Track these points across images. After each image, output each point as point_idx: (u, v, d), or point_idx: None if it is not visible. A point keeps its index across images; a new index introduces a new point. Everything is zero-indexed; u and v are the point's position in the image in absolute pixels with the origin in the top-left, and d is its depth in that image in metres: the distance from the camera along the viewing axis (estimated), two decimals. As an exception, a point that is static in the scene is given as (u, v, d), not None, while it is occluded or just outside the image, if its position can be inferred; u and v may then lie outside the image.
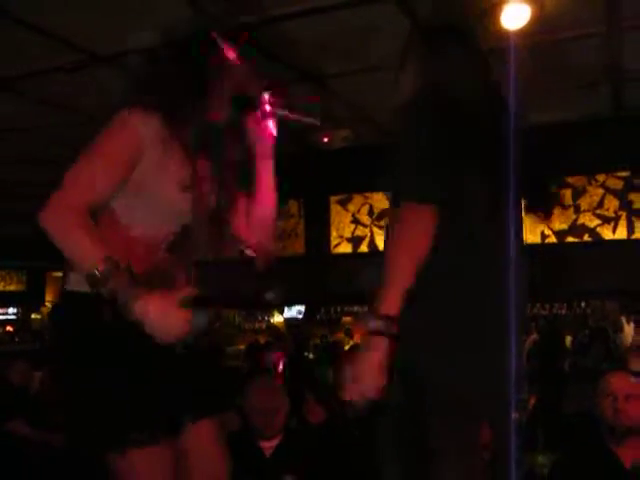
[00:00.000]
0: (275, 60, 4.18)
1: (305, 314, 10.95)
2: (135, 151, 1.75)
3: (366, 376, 1.63)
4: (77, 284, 1.75)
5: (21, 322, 11.83)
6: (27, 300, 12.06)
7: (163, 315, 1.63)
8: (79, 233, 1.65)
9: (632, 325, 8.75)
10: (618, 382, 2.93)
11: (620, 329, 8.56)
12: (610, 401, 2.82)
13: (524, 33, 3.52)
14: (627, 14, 3.50)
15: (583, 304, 8.76)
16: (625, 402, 2.80)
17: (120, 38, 3.92)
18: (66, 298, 1.86)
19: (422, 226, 1.70)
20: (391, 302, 1.65)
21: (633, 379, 3.09)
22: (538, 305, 9.11)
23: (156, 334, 1.63)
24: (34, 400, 6.08)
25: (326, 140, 5.54)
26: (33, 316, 12.26)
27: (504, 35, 3.39)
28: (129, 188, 1.78)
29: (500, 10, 3.37)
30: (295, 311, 11.13)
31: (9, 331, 11.50)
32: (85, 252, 1.64)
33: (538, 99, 4.79)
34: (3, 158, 6.53)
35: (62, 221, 1.66)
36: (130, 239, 1.81)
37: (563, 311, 9.06)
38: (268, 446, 3.13)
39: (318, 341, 9.45)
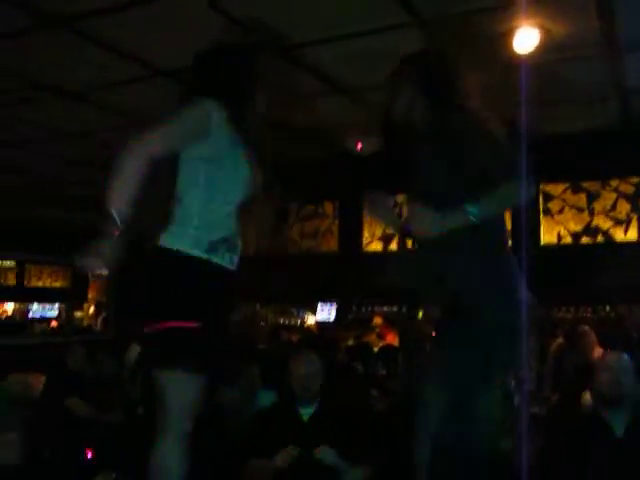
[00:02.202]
0: (312, 75, 4.69)
1: (336, 314, 11.16)
2: (203, 126, 2.33)
3: None
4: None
5: (65, 319, 12.08)
6: (71, 297, 12.24)
7: None
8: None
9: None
10: (616, 359, 3.38)
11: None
12: (609, 374, 3.26)
13: (535, 54, 3.95)
14: (621, 38, 3.91)
15: (607, 308, 8.83)
16: (622, 374, 3.24)
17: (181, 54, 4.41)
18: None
19: None
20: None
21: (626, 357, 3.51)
22: (563, 309, 9.23)
23: None
24: (89, 382, 6.59)
25: (359, 147, 5.94)
26: (76, 314, 12.46)
27: (517, 56, 3.84)
28: (213, 164, 2.38)
29: (513, 34, 3.79)
30: (326, 313, 11.27)
31: (53, 327, 11.77)
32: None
33: (553, 112, 5.21)
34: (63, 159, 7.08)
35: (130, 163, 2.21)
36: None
37: (588, 314, 9.11)
38: (305, 412, 3.58)
39: (351, 342, 9.39)
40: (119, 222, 2.17)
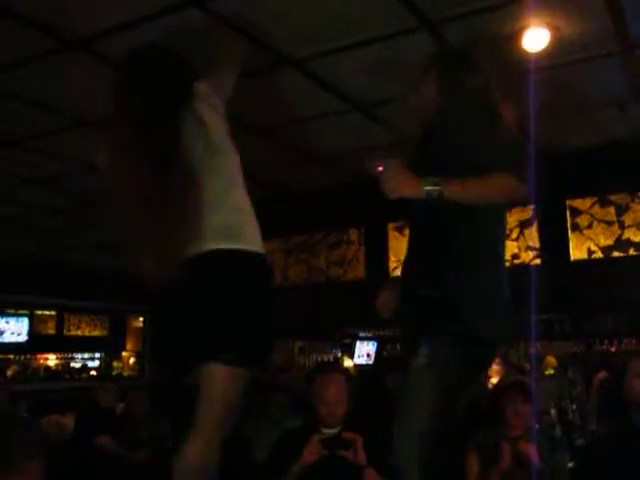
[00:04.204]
0: (326, 90, 4.64)
1: (376, 352, 10.99)
2: None
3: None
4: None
5: (104, 369, 12.15)
6: (109, 346, 12.27)
7: None
8: None
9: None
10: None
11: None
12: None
13: (546, 57, 3.88)
14: (634, 35, 3.79)
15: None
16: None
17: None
18: None
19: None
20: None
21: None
22: (606, 342, 8.95)
23: None
24: (119, 420, 6.60)
25: (380, 169, 5.85)
26: (115, 364, 12.49)
27: (526, 59, 3.77)
28: None
29: (521, 35, 3.73)
30: (365, 357, 11.10)
31: (93, 376, 11.85)
32: None
33: (573, 123, 5.11)
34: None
35: None
36: None
37: (632, 347, 8.81)
38: (329, 433, 3.47)
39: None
40: None
